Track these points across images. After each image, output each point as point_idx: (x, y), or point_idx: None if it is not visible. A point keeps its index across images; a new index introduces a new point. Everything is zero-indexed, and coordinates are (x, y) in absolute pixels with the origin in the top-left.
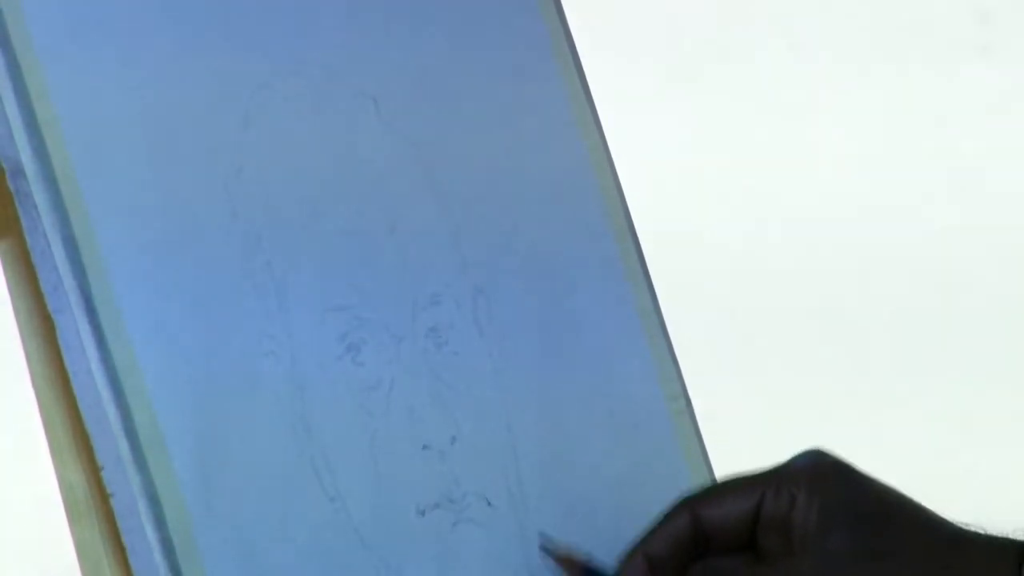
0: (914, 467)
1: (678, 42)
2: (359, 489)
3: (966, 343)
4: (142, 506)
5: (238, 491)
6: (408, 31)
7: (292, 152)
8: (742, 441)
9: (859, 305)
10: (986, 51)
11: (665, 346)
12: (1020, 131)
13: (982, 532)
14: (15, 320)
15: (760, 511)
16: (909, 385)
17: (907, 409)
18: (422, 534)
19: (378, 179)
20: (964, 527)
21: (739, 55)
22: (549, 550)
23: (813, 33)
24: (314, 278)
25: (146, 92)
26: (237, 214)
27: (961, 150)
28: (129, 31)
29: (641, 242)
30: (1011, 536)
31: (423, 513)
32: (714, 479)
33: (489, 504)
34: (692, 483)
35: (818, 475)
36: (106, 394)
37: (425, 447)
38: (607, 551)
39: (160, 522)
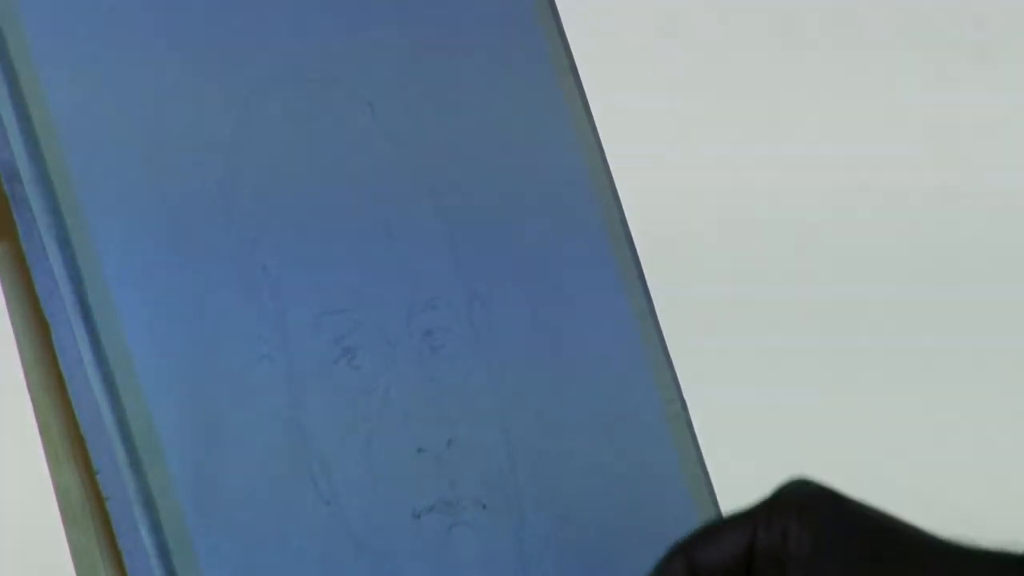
0: (914, 467)
1: (674, 47)
2: (355, 492)
3: (966, 346)
4: (138, 510)
5: (234, 494)
6: (405, 36)
7: (288, 156)
8: (738, 445)
9: (857, 308)
10: (982, 55)
11: (661, 350)
12: (1015, 135)
13: (980, 548)
14: (11, 324)
15: (754, 547)
16: (908, 387)
17: (907, 411)
18: (417, 537)
19: (374, 183)
20: (961, 543)
21: (735, 59)
22: None
23: (809, 37)
24: (310, 282)
25: (142, 96)
26: (233, 218)
27: (957, 153)
28: (125, 35)
29: (637, 246)
30: (1009, 549)
31: (419, 516)
32: (710, 483)
33: (484, 507)
34: (688, 487)
35: (807, 505)
36: (102, 398)
37: (420, 450)
38: (602, 556)
39: (156, 526)
